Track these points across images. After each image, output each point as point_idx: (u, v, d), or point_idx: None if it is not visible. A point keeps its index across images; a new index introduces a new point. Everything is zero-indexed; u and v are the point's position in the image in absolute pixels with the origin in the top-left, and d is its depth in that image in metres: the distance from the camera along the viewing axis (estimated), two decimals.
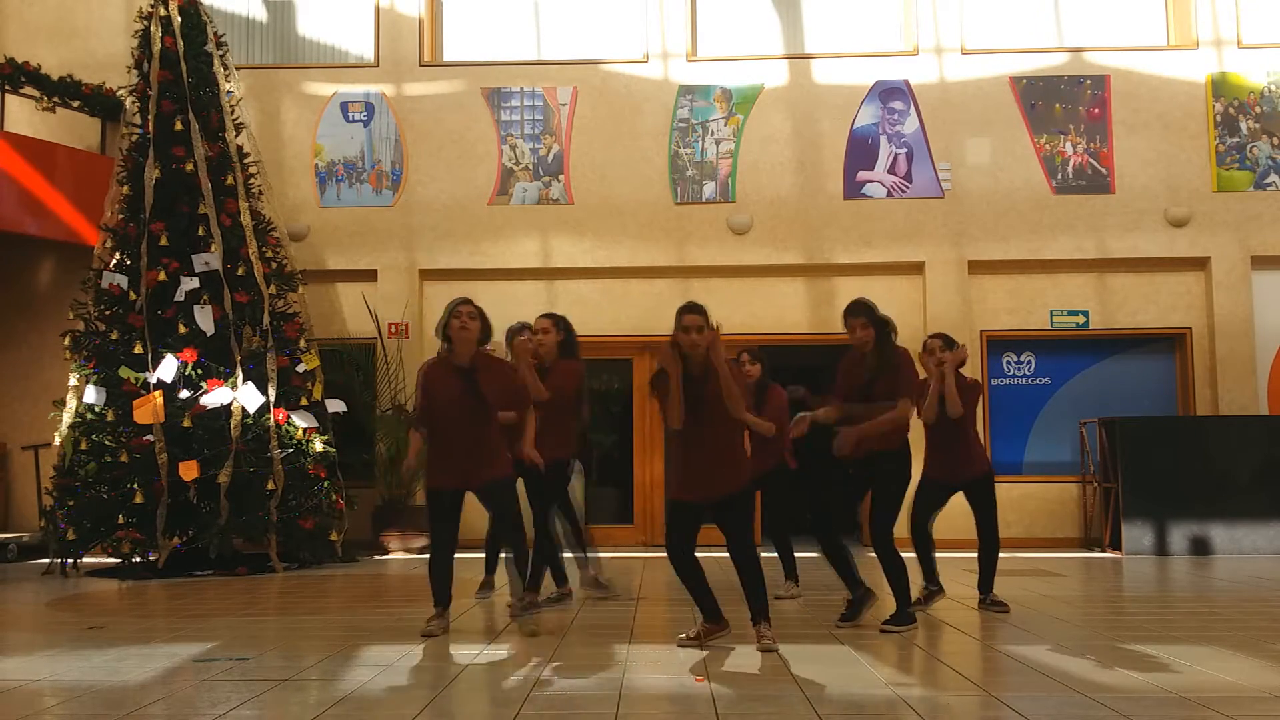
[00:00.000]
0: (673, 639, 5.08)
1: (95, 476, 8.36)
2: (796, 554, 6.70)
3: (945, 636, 5.27)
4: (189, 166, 8.87)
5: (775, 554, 6.60)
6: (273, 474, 8.43)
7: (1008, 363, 10.58)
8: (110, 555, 8.46)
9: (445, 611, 5.44)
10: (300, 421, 8.76)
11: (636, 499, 10.50)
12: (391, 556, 9.49)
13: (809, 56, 10.79)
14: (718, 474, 4.95)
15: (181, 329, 8.49)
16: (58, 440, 8.64)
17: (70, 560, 8.45)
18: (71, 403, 8.58)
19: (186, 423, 8.32)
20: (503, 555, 5.64)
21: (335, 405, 9.29)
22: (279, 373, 8.75)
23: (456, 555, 5.41)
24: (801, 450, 6.65)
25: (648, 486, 10.44)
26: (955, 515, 6.47)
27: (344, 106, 10.78)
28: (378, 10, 10.92)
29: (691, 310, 4.92)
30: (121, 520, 8.20)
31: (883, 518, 5.49)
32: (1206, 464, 9.35)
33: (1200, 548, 9.26)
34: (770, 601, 5.07)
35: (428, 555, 5.51)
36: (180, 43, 9.11)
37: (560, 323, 6.32)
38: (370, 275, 10.59)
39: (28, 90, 9.78)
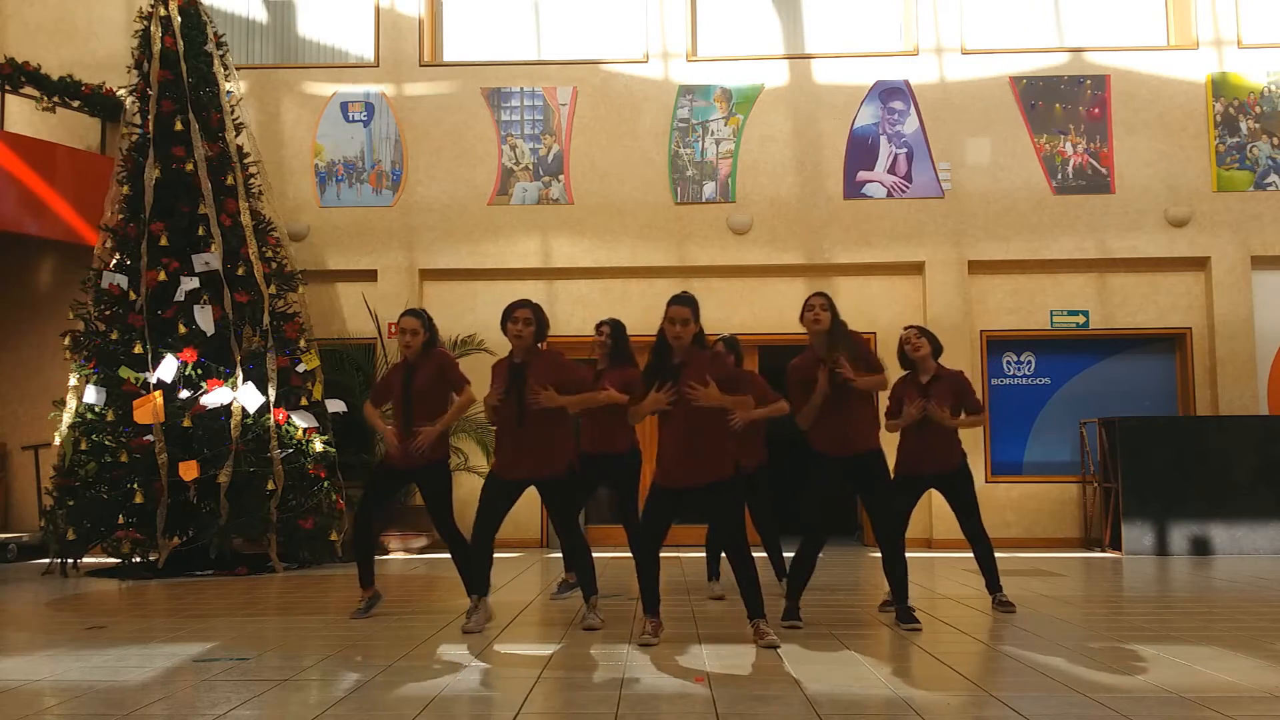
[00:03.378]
0: (674, 639, 5.08)
1: (95, 476, 8.37)
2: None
3: (945, 636, 5.27)
4: (189, 166, 8.87)
5: (764, 554, 6.60)
6: (273, 474, 8.43)
7: (1008, 363, 10.58)
8: (110, 555, 8.46)
9: (484, 600, 5.51)
10: (300, 421, 8.76)
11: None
12: (391, 556, 9.48)
13: (809, 56, 10.80)
14: (697, 461, 4.97)
15: (181, 329, 8.49)
16: (58, 440, 8.64)
17: (70, 560, 8.45)
18: (71, 403, 8.58)
19: (186, 423, 8.32)
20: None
21: (335, 405, 9.29)
22: (279, 373, 8.75)
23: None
24: (781, 448, 6.67)
25: (647, 487, 10.42)
26: (946, 516, 6.47)
27: (344, 106, 10.78)
28: (378, 10, 10.92)
29: (679, 302, 5.08)
30: (121, 520, 8.20)
31: (893, 513, 5.53)
32: (1206, 464, 9.35)
33: (1200, 548, 9.26)
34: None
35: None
36: (180, 42, 9.11)
37: (615, 328, 6.56)
38: (370, 275, 10.59)
39: (28, 90, 9.77)
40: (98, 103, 10.19)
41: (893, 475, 5.91)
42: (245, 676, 4.37)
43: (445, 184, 10.68)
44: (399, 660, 4.68)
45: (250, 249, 8.97)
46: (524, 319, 5.42)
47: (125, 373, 8.38)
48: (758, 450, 6.43)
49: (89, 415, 8.46)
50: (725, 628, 5.44)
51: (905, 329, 6.14)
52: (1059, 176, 10.49)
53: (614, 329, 6.53)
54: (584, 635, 5.29)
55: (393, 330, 10.27)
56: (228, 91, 9.43)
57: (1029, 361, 10.60)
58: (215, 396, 8.41)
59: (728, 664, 4.55)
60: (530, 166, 10.68)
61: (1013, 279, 10.53)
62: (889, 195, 10.53)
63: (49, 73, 9.83)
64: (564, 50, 11.01)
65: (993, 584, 6.05)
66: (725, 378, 4.99)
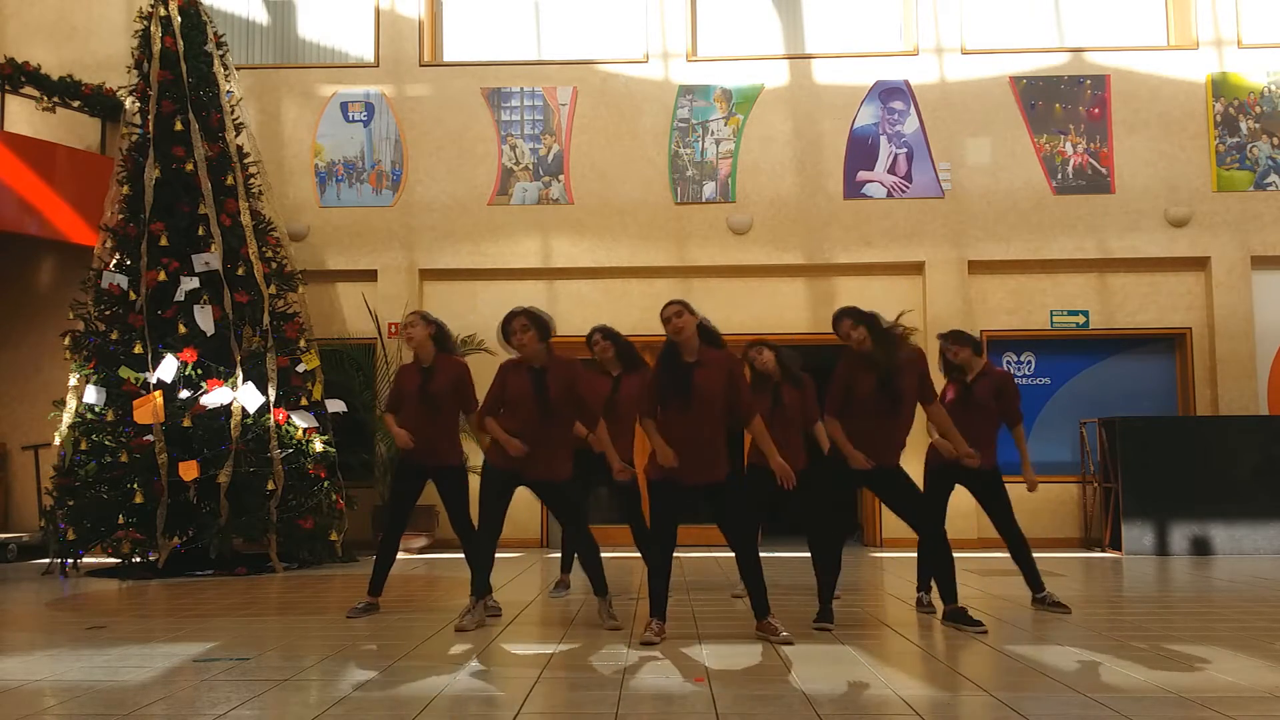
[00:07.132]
0: (675, 639, 5.08)
1: (95, 476, 8.37)
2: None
3: (945, 636, 5.27)
4: (189, 166, 8.87)
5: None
6: (273, 474, 8.43)
7: (1008, 363, 10.58)
8: (110, 555, 8.46)
9: (481, 602, 5.51)
10: (300, 421, 8.76)
11: None
12: None
13: (809, 56, 10.80)
14: (700, 460, 5.01)
15: (181, 329, 8.49)
16: (58, 440, 8.65)
17: (70, 560, 8.45)
18: (71, 403, 8.58)
19: (186, 423, 8.32)
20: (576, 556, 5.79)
21: (335, 405, 9.29)
22: (279, 373, 8.75)
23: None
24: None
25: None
26: (955, 516, 6.46)
27: (344, 106, 10.78)
28: (378, 10, 10.92)
29: (670, 303, 5.12)
30: (121, 520, 8.20)
31: (929, 509, 5.60)
32: (1206, 464, 9.35)
33: (1200, 548, 9.26)
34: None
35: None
36: (180, 43, 9.11)
37: (610, 335, 6.58)
38: (370, 275, 10.59)
39: (28, 90, 9.78)
40: (98, 103, 10.20)
41: (929, 471, 5.98)
42: (245, 676, 4.36)
43: (445, 184, 10.68)
44: (399, 660, 4.68)
45: (250, 249, 8.97)
46: (520, 325, 5.41)
47: (125, 373, 8.38)
48: (799, 454, 6.42)
49: (89, 415, 8.46)
50: (725, 628, 5.44)
51: (939, 338, 6.16)
52: (1059, 176, 10.49)
53: (608, 335, 6.52)
54: (584, 635, 5.29)
55: (393, 330, 10.32)
56: (228, 92, 9.43)
57: (1029, 361, 10.60)
58: (215, 396, 8.41)
59: (728, 664, 4.55)
60: (530, 166, 10.68)
61: (1013, 279, 10.53)
62: (889, 195, 10.53)
63: (49, 73, 9.84)
64: (564, 50, 11.01)
65: (1034, 583, 6.05)
66: (736, 377, 5.09)
